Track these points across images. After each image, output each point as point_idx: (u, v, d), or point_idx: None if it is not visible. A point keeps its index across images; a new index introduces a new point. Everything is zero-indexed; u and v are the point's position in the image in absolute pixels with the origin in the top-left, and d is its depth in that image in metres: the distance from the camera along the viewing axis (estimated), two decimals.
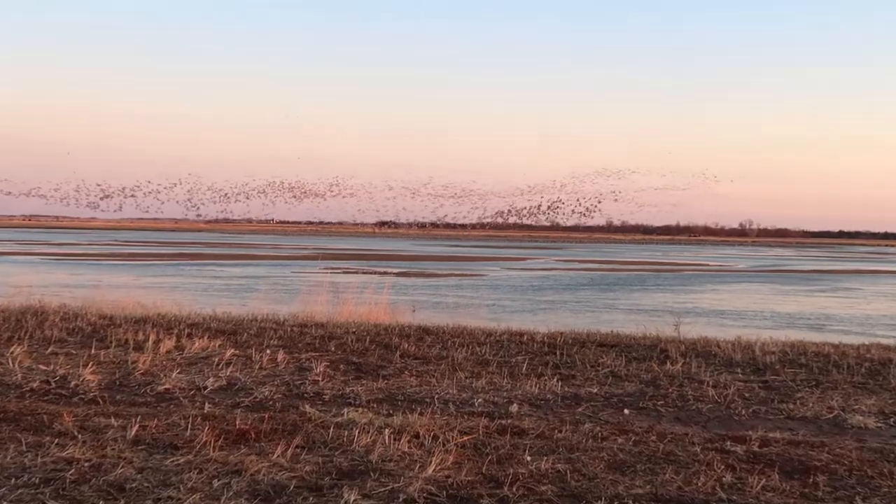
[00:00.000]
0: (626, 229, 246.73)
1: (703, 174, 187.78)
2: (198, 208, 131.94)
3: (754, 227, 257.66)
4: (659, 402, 9.22)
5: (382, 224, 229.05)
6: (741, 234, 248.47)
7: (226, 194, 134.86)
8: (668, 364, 11.40)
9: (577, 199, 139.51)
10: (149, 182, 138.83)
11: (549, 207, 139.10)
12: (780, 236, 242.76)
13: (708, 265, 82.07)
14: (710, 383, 10.17)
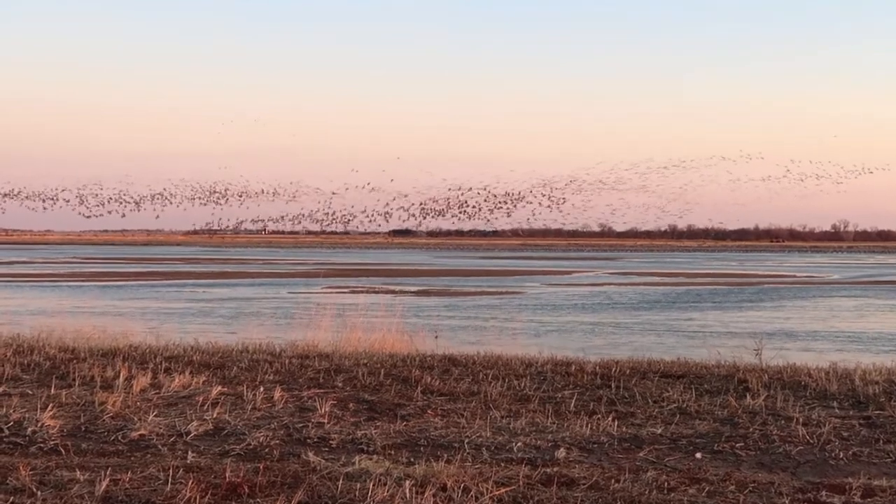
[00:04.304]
0: (693, 234, 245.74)
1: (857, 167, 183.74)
2: (90, 210, 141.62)
3: (850, 229, 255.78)
4: (738, 445, 9.17)
5: (396, 233, 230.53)
6: (834, 238, 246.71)
7: (113, 198, 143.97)
8: (749, 398, 11.33)
9: (501, 193, 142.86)
10: (26, 186, 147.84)
11: (458, 204, 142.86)
12: (882, 240, 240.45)
13: (794, 276, 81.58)
14: (800, 420, 10.10)
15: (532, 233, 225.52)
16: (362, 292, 50.65)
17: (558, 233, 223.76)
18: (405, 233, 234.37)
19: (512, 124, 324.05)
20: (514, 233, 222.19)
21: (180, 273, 76.09)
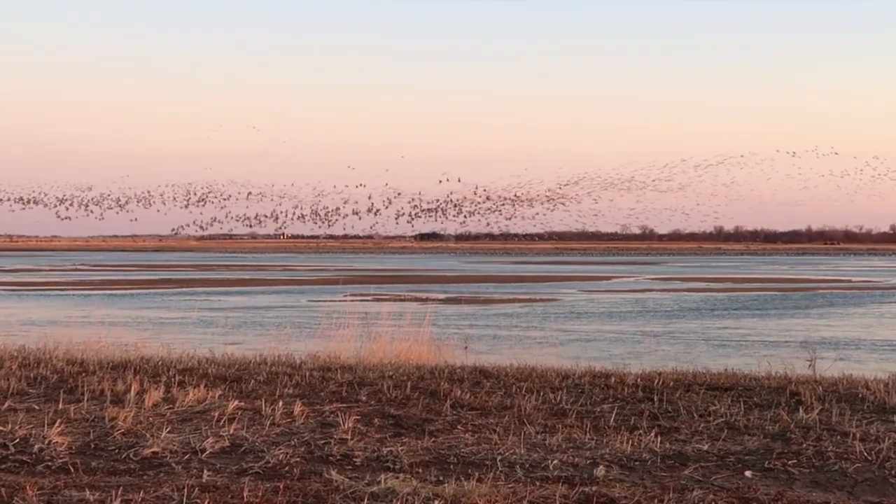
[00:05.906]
0: (740, 236, 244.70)
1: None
2: (67, 211, 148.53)
3: None
4: (790, 462, 9.11)
5: (423, 237, 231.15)
6: (894, 240, 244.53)
7: (94, 200, 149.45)
8: (802, 411, 11.25)
9: (497, 195, 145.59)
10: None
11: (453, 204, 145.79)
12: None
13: (849, 281, 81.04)
14: (858, 436, 10.02)
15: (567, 236, 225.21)
16: (387, 300, 50.75)
17: (595, 236, 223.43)
18: (432, 236, 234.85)
19: (531, 120, 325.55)
20: (550, 236, 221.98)
21: (193, 280, 76.52)
